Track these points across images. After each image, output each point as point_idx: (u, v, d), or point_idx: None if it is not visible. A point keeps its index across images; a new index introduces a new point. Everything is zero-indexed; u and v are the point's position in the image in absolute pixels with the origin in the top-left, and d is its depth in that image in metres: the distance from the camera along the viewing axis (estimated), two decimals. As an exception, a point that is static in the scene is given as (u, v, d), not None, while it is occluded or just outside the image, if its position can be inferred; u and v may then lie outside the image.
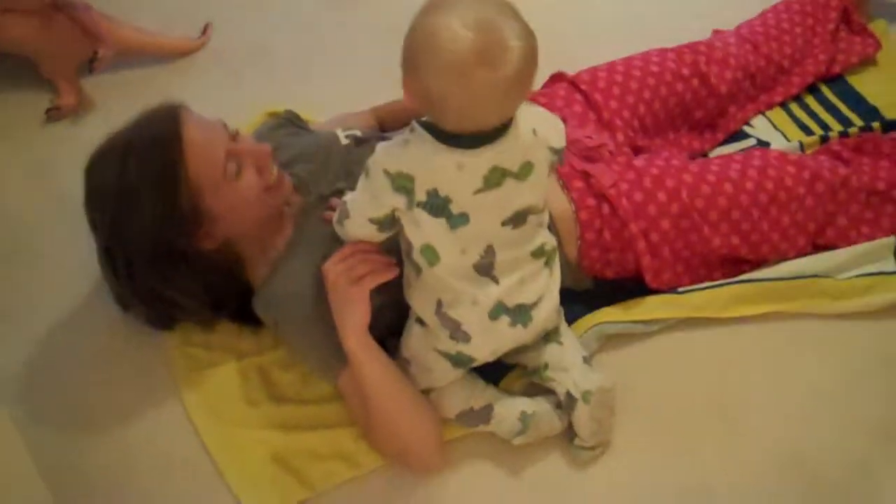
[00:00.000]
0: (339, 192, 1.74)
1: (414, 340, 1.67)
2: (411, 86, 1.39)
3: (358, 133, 1.88)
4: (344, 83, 2.41)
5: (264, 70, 2.39)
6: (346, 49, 2.51)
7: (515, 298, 1.58)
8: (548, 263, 1.62)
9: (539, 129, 1.50)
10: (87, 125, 2.30)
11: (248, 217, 1.72)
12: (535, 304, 1.61)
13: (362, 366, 1.61)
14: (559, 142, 1.54)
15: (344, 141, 1.85)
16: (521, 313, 1.59)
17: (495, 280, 1.55)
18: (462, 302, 1.56)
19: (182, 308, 1.77)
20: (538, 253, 1.59)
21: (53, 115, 2.32)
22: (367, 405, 1.65)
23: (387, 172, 1.47)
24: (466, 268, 1.54)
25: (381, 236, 1.59)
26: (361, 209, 1.55)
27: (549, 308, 1.64)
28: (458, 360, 1.65)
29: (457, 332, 1.59)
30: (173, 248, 1.66)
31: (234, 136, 1.71)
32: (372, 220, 1.55)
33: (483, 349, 1.64)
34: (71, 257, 1.94)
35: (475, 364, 1.68)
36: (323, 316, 1.64)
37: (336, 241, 1.65)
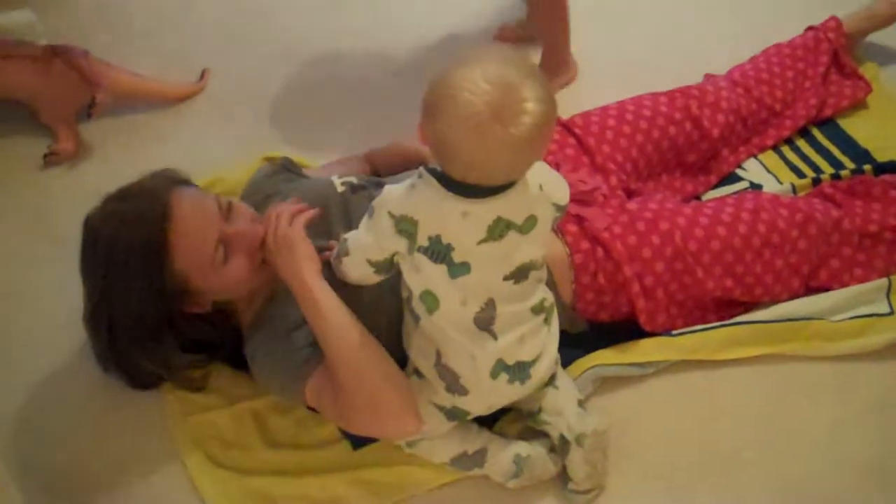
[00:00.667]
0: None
1: None
2: (427, 130, 1.40)
3: (354, 180, 1.89)
4: (341, 128, 2.43)
5: (260, 114, 2.41)
6: (343, 94, 2.53)
7: (515, 356, 1.58)
8: (546, 320, 1.63)
9: (545, 186, 1.51)
10: (84, 170, 2.32)
11: (238, 293, 1.74)
12: (534, 362, 1.61)
13: (318, 302, 1.58)
14: (563, 199, 1.55)
15: (340, 188, 1.86)
16: (520, 371, 1.60)
17: (494, 336, 1.55)
18: (460, 356, 1.56)
19: (167, 370, 1.79)
20: (538, 309, 1.59)
21: (51, 160, 2.33)
22: (332, 359, 1.58)
23: (391, 214, 1.48)
24: (466, 320, 1.54)
25: (376, 278, 1.60)
26: (362, 249, 1.56)
27: (547, 364, 1.65)
28: (452, 414, 1.64)
29: (454, 385, 1.59)
30: (159, 319, 1.68)
31: (227, 212, 1.71)
32: (370, 262, 1.55)
33: (479, 404, 1.64)
34: (67, 301, 1.93)
35: (469, 417, 1.68)
36: (290, 333, 1.66)
37: (332, 280, 1.66)
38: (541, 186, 1.50)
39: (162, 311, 1.67)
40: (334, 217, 1.81)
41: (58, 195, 2.26)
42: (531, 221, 1.50)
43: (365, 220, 1.54)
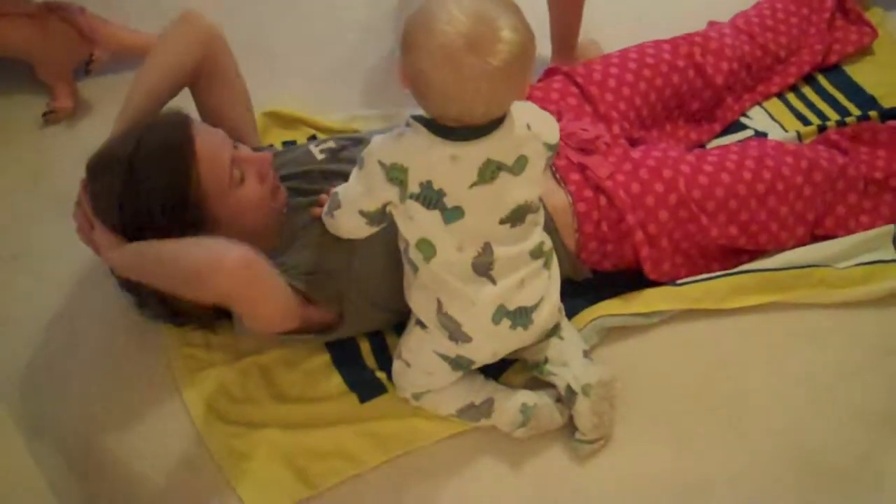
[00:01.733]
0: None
1: (413, 342, 1.67)
2: (404, 65, 1.40)
3: (333, 144, 1.88)
4: (345, 81, 2.42)
5: (262, 68, 2.39)
6: (348, 47, 2.51)
7: (516, 301, 1.58)
8: (546, 265, 1.63)
9: (533, 124, 1.50)
10: (83, 127, 2.31)
11: (248, 223, 1.72)
12: (535, 307, 1.61)
13: (142, 254, 1.61)
14: (553, 137, 1.54)
15: (319, 156, 1.86)
16: (521, 316, 1.60)
17: (493, 281, 1.55)
18: (461, 303, 1.56)
19: (184, 313, 1.78)
20: (536, 253, 1.59)
21: (50, 118, 2.32)
22: (161, 274, 1.61)
23: (381, 163, 1.47)
24: (464, 266, 1.54)
25: (369, 230, 1.60)
26: (353, 201, 1.56)
27: (549, 310, 1.65)
28: (457, 363, 1.65)
29: (457, 333, 1.59)
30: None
31: (235, 146, 1.72)
32: (363, 213, 1.55)
33: (483, 351, 1.64)
34: (69, 259, 1.94)
35: (475, 366, 1.68)
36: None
37: (322, 236, 1.66)
38: (528, 126, 1.50)
39: (177, 226, 1.64)
40: (317, 186, 1.79)
41: (57, 153, 2.25)
42: (522, 161, 1.50)
43: (355, 171, 1.55)
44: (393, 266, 1.67)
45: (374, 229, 1.60)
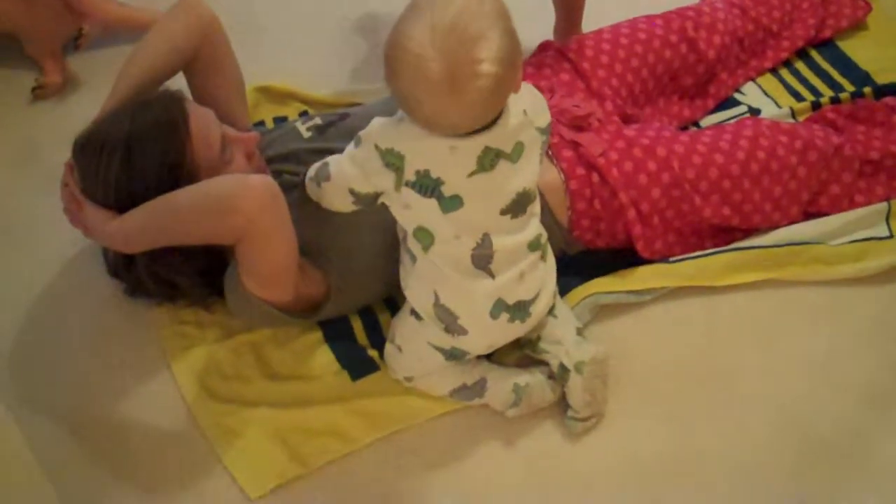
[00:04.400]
0: None
1: (408, 331, 1.67)
2: (389, 87, 1.40)
3: (319, 121, 1.88)
4: (336, 56, 2.40)
5: (253, 43, 2.37)
6: (338, 22, 2.49)
7: (516, 295, 1.58)
8: (543, 256, 1.62)
9: (529, 109, 1.50)
10: (73, 103, 2.29)
11: None
12: (533, 300, 1.61)
13: (140, 227, 1.61)
14: (544, 121, 1.54)
15: (306, 134, 1.86)
16: (520, 310, 1.60)
17: (491, 275, 1.54)
18: (458, 295, 1.56)
19: (179, 288, 1.78)
20: (534, 245, 1.58)
21: (39, 93, 2.29)
22: (170, 226, 1.61)
23: (377, 147, 1.46)
24: (463, 258, 1.53)
25: (352, 209, 1.59)
26: (345, 176, 1.54)
27: (546, 301, 1.65)
28: (451, 354, 1.65)
29: (453, 325, 1.58)
30: None
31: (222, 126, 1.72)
32: (352, 192, 1.54)
33: (479, 343, 1.64)
34: (59, 236, 1.92)
35: (468, 358, 1.68)
36: None
37: (308, 214, 1.65)
38: (525, 112, 1.49)
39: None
40: (305, 164, 1.77)
41: (47, 129, 2.23)
42: (519, 148, 1.49)
43: (351, 147, 1.53)
44: (379, 241, 1.67)
45: (358, 209, 1.59)
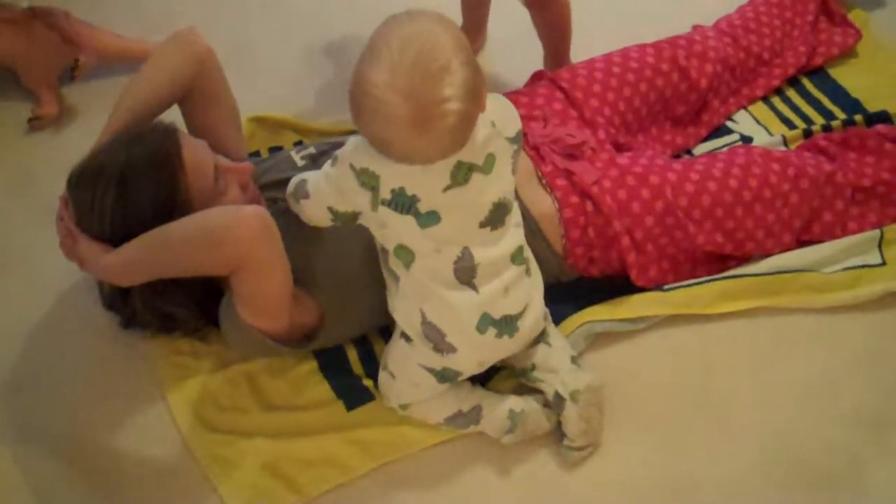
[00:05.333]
0: None
1: (399, 355, 1.67)
2: (356, 125, 1.42)
3: (313, 150, 1.89)
4: (330, 86, 2.41)
5: (247, 74, 2.38)
6: (332, 52, 2.51)
7: (501, 309, 1.58)
8: (528, 271, 1.63)
9: (497, 120, 1.50)
10: (69, 134, 2.30)
11: None
12: (520, 315, 1.61)
13: (137, 260, 1.61)
14: (512, 130, 1.54)
15: (300, 163, 1.87)
16: (507, 324, 1.60)
17: (475, 289, 1.55)
18: (444, 311, 1.56)
19: (175, 319, 1.78)
20: (517, 257, 1.59)
21: (35, 124, 2.30)
22: (170, 260, 1.61)
23: (352, 167, 1.48)
24: (446, 272, 1.53)
25: (333, 224, 1.61)
26: (323, 195, 1.56)
27: (534, 317, 1.65)
28: (443, 376, 1.65)
29: (442, 343, 1.59)
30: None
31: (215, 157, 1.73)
32: (330, 209, 1.56)
33: (469, 361, 1.64)
34: (55, 267, 1.92)
35: (461, 378, 1.68)
36: None
37: (302, 241, 1.67)
38: (493, 123, 1.50)
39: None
40: None
41: (43, 160, 2.24)
42: (490, 160, 1.50)
43: (327, 166, 1.55)
44: (372, 268, 1.67)
45: (335, 225, 1.60)
